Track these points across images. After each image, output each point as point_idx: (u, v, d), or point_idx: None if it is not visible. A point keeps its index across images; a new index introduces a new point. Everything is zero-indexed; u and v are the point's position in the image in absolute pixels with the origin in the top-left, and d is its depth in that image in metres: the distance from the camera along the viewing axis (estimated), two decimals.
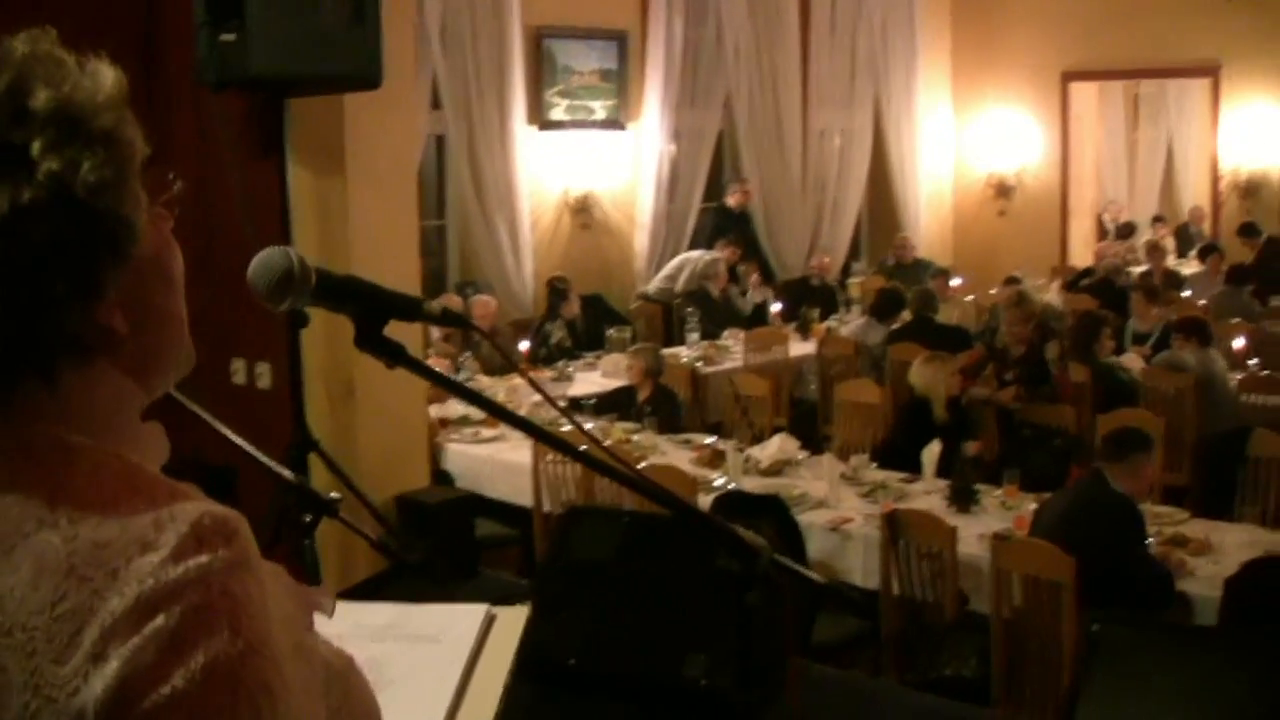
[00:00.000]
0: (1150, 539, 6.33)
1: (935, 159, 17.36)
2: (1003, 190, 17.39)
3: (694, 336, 12.18)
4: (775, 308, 13.22)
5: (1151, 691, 3.22)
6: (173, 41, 7.11)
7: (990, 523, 6.80)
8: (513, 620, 2.12)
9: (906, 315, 11.79)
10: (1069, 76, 16.83)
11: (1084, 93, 17.38)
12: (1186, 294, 13.64)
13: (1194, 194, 20.22)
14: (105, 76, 1.30)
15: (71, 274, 1.25)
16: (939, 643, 6.14)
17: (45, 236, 1.22)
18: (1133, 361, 10.58)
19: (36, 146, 1.22)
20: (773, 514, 6.61)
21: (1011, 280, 12.96)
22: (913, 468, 7.92)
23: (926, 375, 8.48)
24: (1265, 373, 10.35)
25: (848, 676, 4.37)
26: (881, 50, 16.22)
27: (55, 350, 1.26)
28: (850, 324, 12.89)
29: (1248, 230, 15.33)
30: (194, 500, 1.23)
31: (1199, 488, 8.61)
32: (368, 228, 6.96)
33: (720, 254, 13.26)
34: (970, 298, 14.14)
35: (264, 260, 1.60)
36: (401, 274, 6.88)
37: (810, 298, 13.77)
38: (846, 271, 15.97)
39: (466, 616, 2.20)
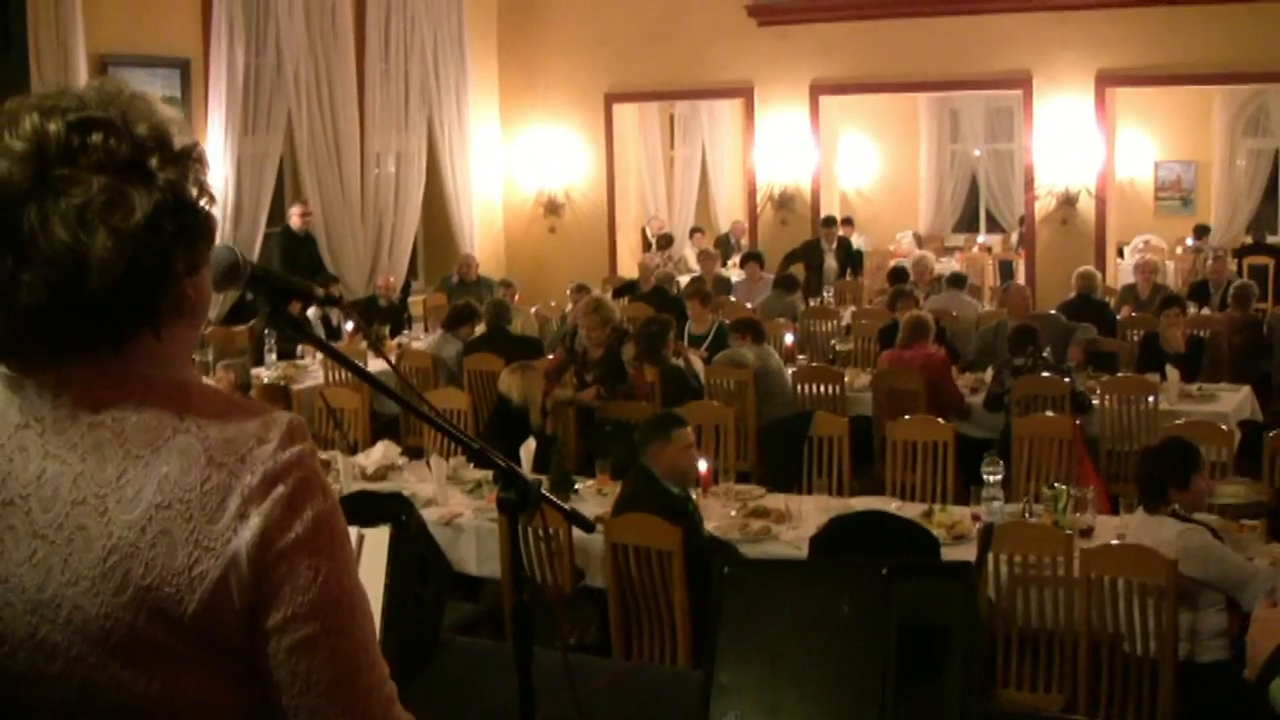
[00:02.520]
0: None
1: (487, 179, 17.92)
2: (552, 207, 18.12)
3: (271, 357, 12.39)
4: (348, 326, 13.53)
5: (775, 620, 3.71)
6: None
7: (590, 508, 7.37)
8: (379, 539, 2.53)
9: (480, 328, 12.34)
10: (612, 98, 17.64)
11: (626, 113, 18.19)
12: (732, 298, 14.71)
13: (730, 206, 21.54)
14: (163, 108, 1.78)
15: (186, 256, 1.75)
16: (559, 615, 6.68)
17: (172, 228, 1.72)
18: (695, 362, 11.39)
19: (154, 162, 1.72)
20: (403, 510, 6.98)
21: (582, 289, 13.67)
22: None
23: (518, 383, 9.01)
24: (815, 364, 11.41)
25: (496, 646, 4.79)
26: (433, 75, 16.68)
27: (165, 312, 1.75)
28: (425, 339, 13.34)
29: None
30: (278, 410, 1.76)
31: (767, 468, 9.46)
32: None
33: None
34: (534, 309, 14.80)
35: (214, 255, 1.97)
36: None
37: (379, 316, 14.16)
38: (407, 290, 16.41)
39: None
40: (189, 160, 1.77)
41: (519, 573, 2.78)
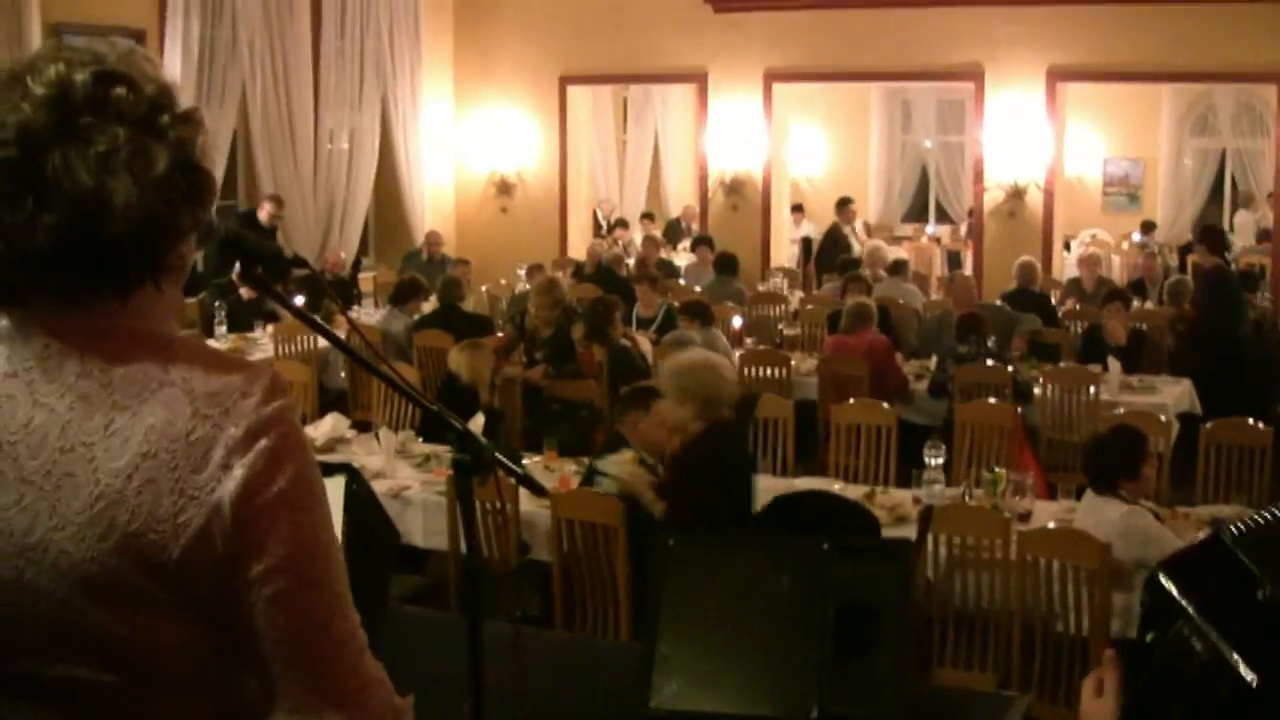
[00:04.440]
0: None
1: (439, 158, 17.95)
2: (504, 188, 18.13)
3: (222, 330, 12.41)
4: (299, 300, 13.51)
5: (716, 592, 3.78)
6: None
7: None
8: (334, 488, 2.59)
9: (426, 306, 12.40)
10: (566, 80, 17.65)
11: (579, 95, 18.19)
12: (681, 282, 14.80)
13: (680, 191, 21.61)
14: (162, 68, 1.84)
15: (191, 213, 1.82)
16: (503, 588, 6.77)
17: (181, 186, 1.79)
18: (642, 343, 11.48)
19: (166, 119, 1.78)
20: (352, 480, 7.03)
21: (535, 268, 13.72)
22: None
23: (467, 361, 9.08)
24: (762, 347, 11.52)
25: (443, 615, 4.87)
26: (388, 53, 16.68)
27: (166, 269, 1.82)
28: (375, 315, 13.37)
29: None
30: (260, 365, 1.83)
31: None
32: None
33: None
34: (485, 288, 14.85)
35: None
36: None
37: (318, 293, 14.13)
38: (357, 266, 16.41)
39: None
40: (193, 122, 1.83)
41: (472, 535, 2.85)
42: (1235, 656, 1.79)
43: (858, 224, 20.81)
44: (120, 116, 1.75)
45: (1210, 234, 13.61)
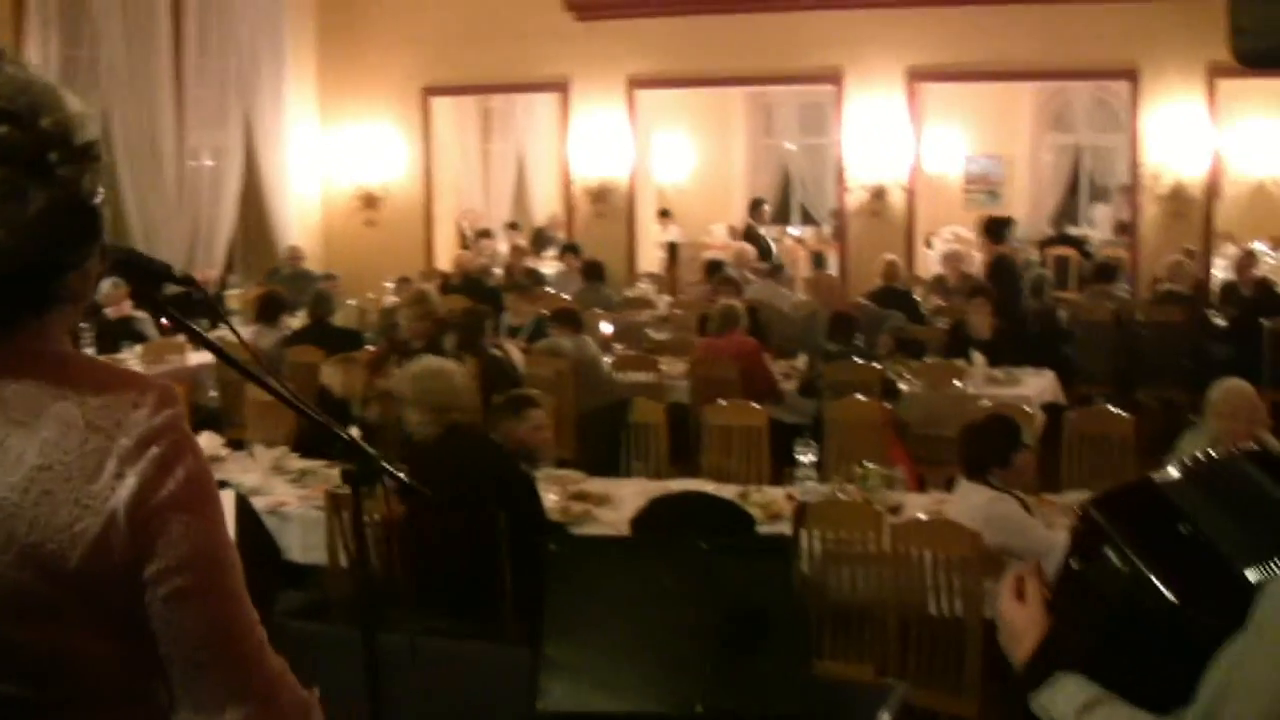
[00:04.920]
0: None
1: (304, 173, 17.85)
2: (370, 202, 18.09)
3: (90, 351, 12.25)
4: (163, 320, 13.38)
5: (601, 595, 3.85)
6: None
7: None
8: (226, 499, 2.62)
9: (294, 322, 12.36)
10: (429, 92, 17.67)
11: (443, 107, 18.22)
12: (550, 290, 14.86)
13: (545, 200, 21.66)
14: (71, 101, 1.86)
15: (75, 250, 1.86)
16: (391, 601, 6.77)
17: (63, 223, 1.82)
18: (513, 352, 11.51)
19: (54, 157, 1.80)
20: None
21: (403, 281, 13.70)
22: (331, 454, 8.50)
23: (340, 375, 9.08)
24: (632, 352, 11.62)
25: (327, 630, 4.89)
26: (251, 69, 16.59)
27: (50, 300, 1.85)
28: (243, 332, 13.24)
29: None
30: (151, 377, 1.89)
31: (586, 455, 9.62)
32: None
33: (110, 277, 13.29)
34: (353, 301, 14.80)
35: None
36: None
37: (196, 310, 14.00)
38: (224, 284, 16.28)
39: None
40: (86, 158, 1.86)
41: (363, 545, 2.90)
42: (1156, 579, 2.00)
43: (721, 227, 21.00)
44: (1, 157, 1.77)
45: (991, 225, 14.57)
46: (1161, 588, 2.01)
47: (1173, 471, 2.23)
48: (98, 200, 1.88)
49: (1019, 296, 13.62)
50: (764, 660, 3.64)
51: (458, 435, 6.68)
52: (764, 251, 15.17)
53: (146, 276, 2.20)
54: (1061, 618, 2.31)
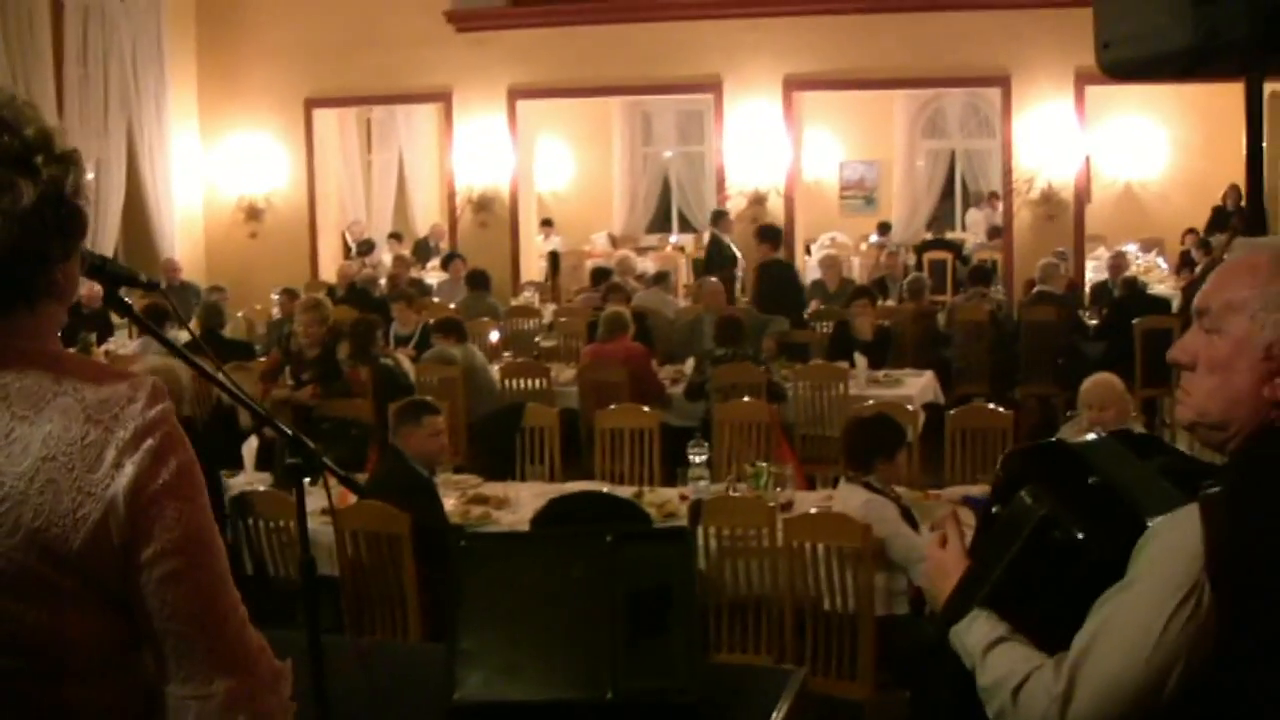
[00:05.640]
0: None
1: (187, 185, 17.83)
2: (253, 213, 18.09)
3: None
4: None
5: (511, 587, 3.98)
6: None
7: (312, 500, 7.52)
8: None
9: (182, 334, 12.32)
10: (312, 103, 17.71)
11: (325, 118, 18.27)
12: (435, 299, 14.97)
13: (428, 210, 21.71)
14: (45, 117, 2.04)
15: (61, 245, 2.04)
16: (293, 605, 6.86)
17: (50, 219, 2.00)
18: (403, 361, 11.61)
19: (39, 160, 1.98)
20: None
21: (288, 293, 13.73)
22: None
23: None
24: (520, 360, 11.78)
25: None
26: (132, 79, 16.54)
27: (40, 292, 2.02)
28: (129, 345, 13.24)
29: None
30: (141, 375, 2.05)
31: (480, 461, 9.77)
32: None
33: None
34: (241, 313, 14.80)
35: None
36: None
37: (85, 324, 13.96)
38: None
39: None
40: (69, 163, 2.04)
41: (305, 541, 3.05)
42: (1065, 517, 2.33)
43: (602, 235, 21.16)
44: None
45: (765, 232, 14.84)
46: (1069, 524, 2.32)
47: (1084, 438, 2.59)
48: (81, 201, 2.06)
49: (794, 294, 14.34)
50: (671, 642, 3.78)
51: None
52: (728, 259, 15.31)
53: (117, 280, 2.36)
54: (979, 559, 2.61)
